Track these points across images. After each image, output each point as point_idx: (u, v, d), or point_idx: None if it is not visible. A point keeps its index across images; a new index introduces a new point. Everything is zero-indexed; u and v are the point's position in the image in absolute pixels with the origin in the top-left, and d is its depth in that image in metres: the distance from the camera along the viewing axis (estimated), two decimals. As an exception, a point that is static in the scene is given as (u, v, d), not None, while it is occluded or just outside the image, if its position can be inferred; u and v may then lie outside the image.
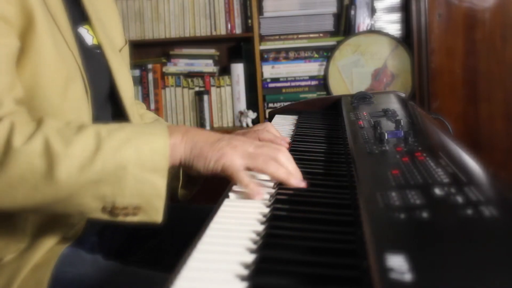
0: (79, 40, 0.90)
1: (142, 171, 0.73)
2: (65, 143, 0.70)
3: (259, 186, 0.78)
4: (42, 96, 0.80)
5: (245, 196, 0.77)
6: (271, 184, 0.82)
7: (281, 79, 2.57)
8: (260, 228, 0.65)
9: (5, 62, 0.75)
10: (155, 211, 0.75)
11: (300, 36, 2.55)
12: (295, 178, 0.80)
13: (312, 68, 2.56)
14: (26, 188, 0.70)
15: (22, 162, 0.69)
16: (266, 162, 0.79)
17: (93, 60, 0.92)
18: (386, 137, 0.84)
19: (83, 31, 0.94)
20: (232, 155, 0.79)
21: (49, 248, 0.84)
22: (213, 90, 2.60)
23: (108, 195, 0.72)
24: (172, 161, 0.78)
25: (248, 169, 0.80)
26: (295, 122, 1.32)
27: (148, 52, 2.66)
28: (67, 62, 0.84)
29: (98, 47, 0.96)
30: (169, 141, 0.76)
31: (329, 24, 2.53)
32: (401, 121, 0.93)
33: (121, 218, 0.74)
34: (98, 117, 0.90)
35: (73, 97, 0.85)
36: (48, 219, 0.84)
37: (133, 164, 0.72)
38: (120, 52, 1.05)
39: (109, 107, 0.98)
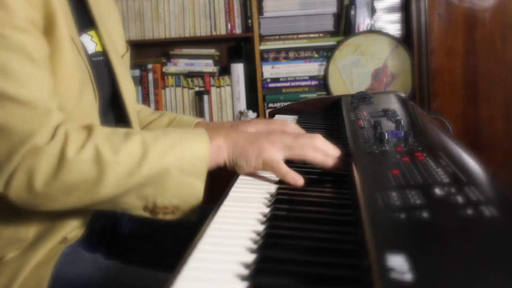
0: (83, 48, 0.91)
1: (183, 174, 0.78)
2: (114, 151, 0.75)
3: (296, 173, 0.82)
4: (60, 99, 0.81)
5: (290, 179, 0.82)
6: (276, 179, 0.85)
7: (281, 79, 2.57)
8: (260, 228, 0.65)
9: (46, 65, 0.78)
10: (192, 211, 0.80)
11: (300, 36, 2.55)
12: (333, 160, 0.85)
13: (312, 68, 2.56)
14: (78, 193, 0.75)
15: (75, 171, 0.74)
16: (303, 150, 0.85)
17: (97, 67, 0.93)
18: (386, 137, 0.84)
19: (87, 38, 0.95)
20: (271, 149, 0.84)
21: (50, 247, 0.84)
22: (213, 90, 2.60)
23: (151, 195, 0.78)
24: (217, 163, 0.84)
25: (288, 159, 0.85)
26: (295, 122, 1.32)
27: (148, 52, 2.66)
28: (81, 67, 0.86)
29: (101, 54, 0.97)
30: (209, 147, 0.81)
31: (329, 24, 2.53)
32: (401, 121, 0.93)
33: (160, 216, 0.80)
34: (102, 123, 0.91)
35: (86, 102, 0.87)
36: (51, 219, 0.84)
37: (175, 169, 0.78)
38: (122, 58, 1.05)
39: (111, 113, 0.99)
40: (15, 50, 0.74)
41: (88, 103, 0.87)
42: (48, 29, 0.80)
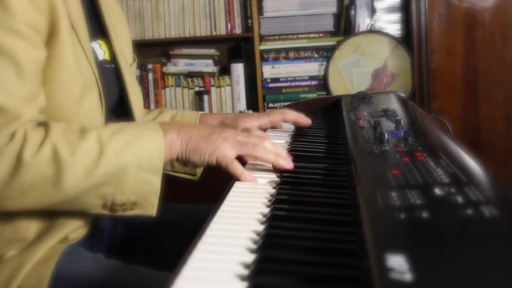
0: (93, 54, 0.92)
1: (140, 171, 0.79)
2: (71, 150, 0.75)
3: (250, 173, 0.85)
4: (56, 103, 0.83)
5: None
6: (274, 175, 0.86)
7: (281, 79, 2.57)
8: (260, 228, 0.65)
9: (34, 73, 0.79)
10: (150, 206, 0.81)
11: (300, 36, 2.55)
12: (283, 159, 0.87)
13: (312, 68, 2.56)
14: (36, 193, 0.75)
15: (33, 173, 0.74)
16: (255, 147, 0.87)
17: (105, 74, 0.94)
18: (386, 137, 0.84)
19: (96, 45, 0.96)
20: (224, 147, 0.85)
21: (51, 246, 0.84)
22: (213, 90, 2.60)
23: (109, 194, 0.78)
24: (170, 156, 0.85)
25: (240, 156, 0.87)
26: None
27: (148, 52, 2.66)
28: (85, 73, 0.87)
29: (109, 62, 0.98)
30: (164, 141, 0.82)
31: (329, 24, 2.53)
32: (401, 121, 0.93)
33: (119, 213, 0.80)
34: None
35: (88, 107, 0.88)
36: (52, 218, 0.85)
37: (132, 166, 0.78)
38: (131, 67, 1.07)
39: (116, 120, 0.99)
40: (1, 53, 0.75)
41: (91, 108, 0.88)
42: (52, 34, 0.81)
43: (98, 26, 0.98)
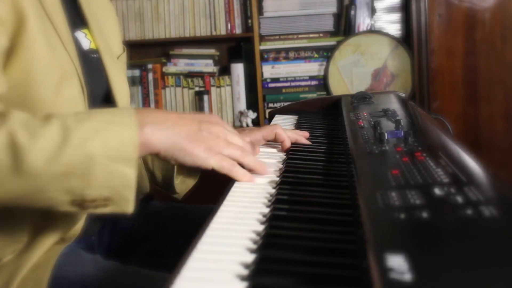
0: (76, 43, 0.91)
1: (110, 162, 0.71)
2: (30, 136, 0.69)
3: (251, 175, 0.83)
4: (34, 91, 0.81)
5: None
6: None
7: (281, 79, 2.57)
8: (260, 228, 0.65)
9: None
10: (125, 202, 0.72)
11: (300, 36, 2.55)
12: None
13: (312, 68, 2.56)
14: None
15: None
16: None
17: (90, 64, 0.93)
18: (386, 137, 0.84)
19: (81, 35, 0.95)
20: (219, 149, 0.81)
21: (48, 248, 0.84)
22: (213, 90, 2.60)
23: (77, 188, 0.70)
24: (149, 149, 0.77)
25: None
26: (295, 122, 1.32)
27: (148, 52, 2.66)
28: (62, 61, 0.85)
29: (95, 51, 0.97)
30: (138, 131, 0.73)
31: (329, 24, 2.53)
32: (401, 121, 0.93)
33: (91, 210, 0.73)
34: None
35: (68, 95, 0.85)
36: (46, 219, 0.84)
37: (101, 156, 0.70)
38: (118, 59, 1.06)
39: None
40: None
41: (71, 97, 0.86)
42: (17, 24, 0.79)
43: (79, 16, 0.96)
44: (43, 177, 0.69)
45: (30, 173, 0.68)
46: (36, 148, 0.68)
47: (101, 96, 0.97)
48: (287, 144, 1.02)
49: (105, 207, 0.72)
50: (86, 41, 0.96)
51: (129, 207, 0.73)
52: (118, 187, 0.71)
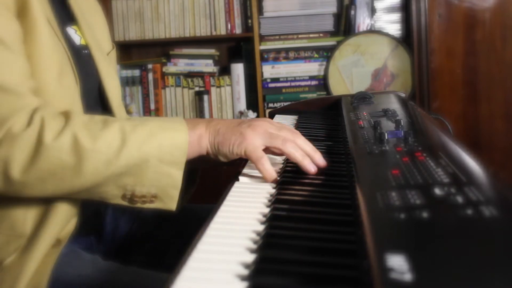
0: (67, 39, 0.91)
1: (162, 164, 0.78)
2: (92, 139, 0.75)
3: (274, 172, 0.83)
4: (39, 80, 0.81)
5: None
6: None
7: (281, 79, 2.57)
8: (260, 228, 0.65)
9: (18, 49, 0.78)
10: (170, 200, 0.80)
11: (300, 36, 2.55)
12: (309, 162, 0.85)
13: (312, 68, 2.56)
14: (55, 181, 0.75)
15: (52, 158, 0.73)
16: (285, 142, 0.84)
17: (81, 59, 0.93)
18: (386, 137, 0.84)
19: (71, 31, 0.96)
20: (253, 137, 0.84)
21: (47, 249, 0.83)
22: (213, 90, 2.60)
23: (129, 185, 0.78)
24: (199, 151, 0.84)
25: (267, 148, 0.85)
26: (295, 122, 1.32)
27: (148, 52, 2.66)
28: (59, 52, 0.86)
29: (86, 47, 0.97)
30: (189, 136, 0.80)
31: (329, 24, 2.53)
32: (401, 121, 0.93)
33: (139, 205, 0.80)
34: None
35: (66, 84, 0.86)
36: (46, 213, 0.83)
37: (154, 158, 0.77)
38: (108, 56, 1.06)
39: (98, 107, 0.99)
40: None
41: (69, 86, 0.87)
42: (21, 11, 0.80)
43: (68, 13, 0.97)
44: (101, 176, 0.75)
45: (91, 173, 0.75)
46: (97, 151, 0.74)
47: (93, 91, 0.97)
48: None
49: (152, 203, 0.80)
50: (77, 37, 0.96)
51: (174, 205, 0.81)
52: (166, 187, 0.79)
